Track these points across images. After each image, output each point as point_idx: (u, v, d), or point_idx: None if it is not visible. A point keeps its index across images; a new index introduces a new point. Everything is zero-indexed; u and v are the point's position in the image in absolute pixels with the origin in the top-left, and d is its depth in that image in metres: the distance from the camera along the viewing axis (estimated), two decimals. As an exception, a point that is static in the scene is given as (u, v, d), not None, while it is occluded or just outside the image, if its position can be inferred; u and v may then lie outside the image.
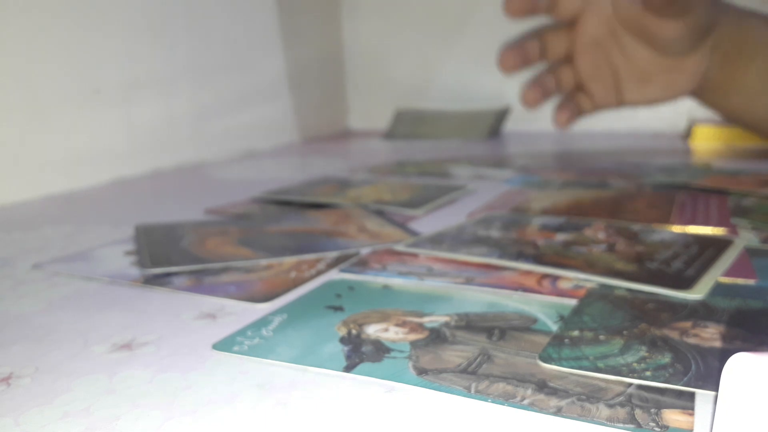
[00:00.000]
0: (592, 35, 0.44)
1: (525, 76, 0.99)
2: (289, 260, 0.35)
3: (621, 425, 0.18)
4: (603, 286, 0.29)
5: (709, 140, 0.77)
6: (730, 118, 0.47)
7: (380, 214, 0.45)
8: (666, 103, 0.46)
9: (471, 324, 0.26)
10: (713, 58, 0.42)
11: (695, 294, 0.28)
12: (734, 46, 0.42)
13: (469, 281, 0.31)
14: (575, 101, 0.47)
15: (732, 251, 0.33)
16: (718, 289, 0.28)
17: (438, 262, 0.34)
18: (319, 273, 0.33)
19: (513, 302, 0.28)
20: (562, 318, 0.26)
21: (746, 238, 0.36)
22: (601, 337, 0.24)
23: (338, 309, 0.28)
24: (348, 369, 0.22)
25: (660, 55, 0.42)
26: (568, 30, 0.45)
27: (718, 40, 0.42)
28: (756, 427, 0.14)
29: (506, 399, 0.20)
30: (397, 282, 0.31)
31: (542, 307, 0.27)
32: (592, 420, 0.19)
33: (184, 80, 0.74)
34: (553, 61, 0.47)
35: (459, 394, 0.20)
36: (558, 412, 0.19)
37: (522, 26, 0.98)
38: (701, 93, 0.45)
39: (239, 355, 0.24)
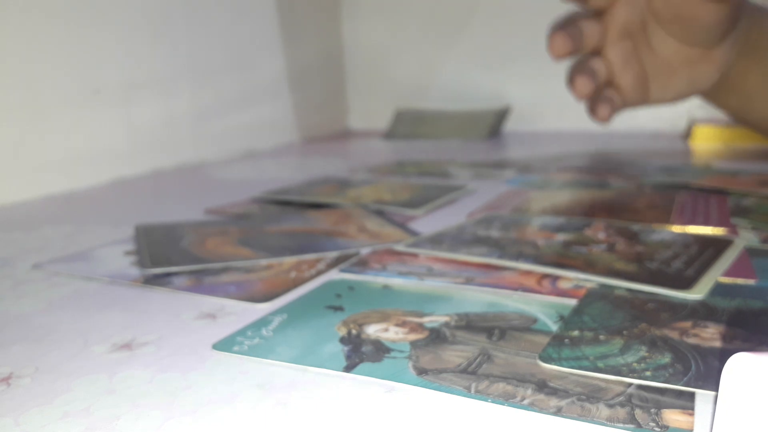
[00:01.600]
0: (624, 25, 0.41)
1: (523, 76, 0.99)
2: (289, 260, 0.35)
3: (621, 425, 0.18)
4: (603, 286, 0.29)
5: (709, 140, 0.77)
6: (733, 116, 0.47)
7: (380, 214, 0.45)
8: (688, 99, 0.44)
9: (471, 324, 0.26)
10: (733, 51, 0.41)
11: (695, 294, 0.28)
12: (749, 43, 0.41)
13: (469, 281, 0.31)
14: (611, 94, 0.44)
15: (732, 251, 0.33)
16: (718, 289, 0.28)
17: (438, 262, 0.34)
18: (319, 273, 0.33)
19: (513, 302, 0.28)
20: (562, 318, 0.26)
21: (746, 238, 0.36)
22: (601, 337, 0.24)
23: (338, 309, 0.28)
24: (348, 369, 0.22)
25: (686, 45, 0.41)
26: (599, 20, 0.42)
27: (739, 33, 0.41)
28: (756, 427, 0.14)
29: (506, 399, 0.20)
30: (397, 282, 0.31)
31: (542, 307, 0.27)
32: (592, 420, 0.19)
33: (184, 80, 0.74)
34: (585, 54, 0.43)
35: (459, 394, 0.20)
36: (558, 412, 0.19)
37: (523, 28, 0.98)
38: (712, 88, 0.43)
39: (239, 355, 0.24)
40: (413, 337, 0.25)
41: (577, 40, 0.41)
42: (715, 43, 0.40)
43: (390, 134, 0.97)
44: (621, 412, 0.19)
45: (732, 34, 0.40)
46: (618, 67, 0.42)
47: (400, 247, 0.36)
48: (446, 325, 0.26)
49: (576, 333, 0.24)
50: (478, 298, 0.29)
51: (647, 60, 0.42)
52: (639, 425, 0.18)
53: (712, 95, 0.45)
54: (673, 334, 0.24)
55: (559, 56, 0.41)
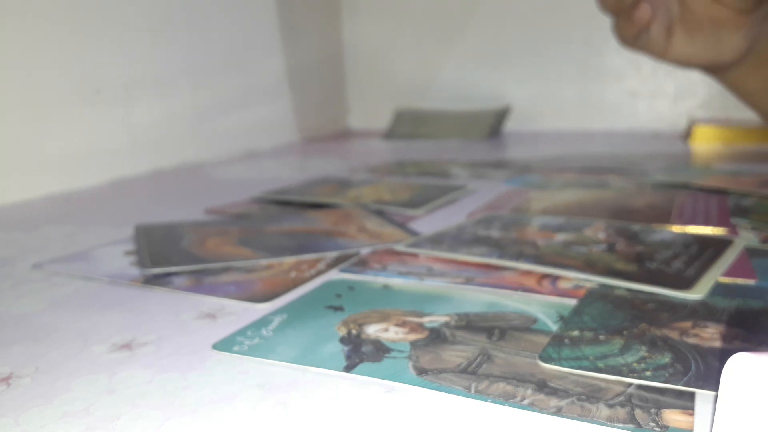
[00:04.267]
0: None
1: (523, 76, 0.99)
2: (289, 260, 0.35)
3: (621, 425, 0.18)
4: (603, 286, 0.29)
5: (709, 140, 0.77)
6: (747, 100, 0.45)
7: (380, 214, 0.45)
8: (706, 67, 0.43)
9: (471, 324, 0.26)
10: (763, 30, 0.40)
11: (695, 294, 0.28)
12: None
13: (469, 281, 0.31)
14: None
15: (732, 251, 0.33)
16: (718, 289, 0.28)
17: (438, 262, 0.34)
18: (319, 273, 0.33)
19: (513, 302, 0.28)
20: (562, 318, 0.26)
21: (746, 238, 0.36)
22: (601, 337, 0.24)
23: (338, 309, 0.28)
24: (348, 369, 0.22)
25: (718, 3, 0.40)
26: None
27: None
28: (756, 427, 0.14)
29: (506, 399, 0.20)
30: (397, 282, 0.31)
31: (542, 307, 0.27)
32: (592, 420, 0.19)
33: (184, 80, 0.74)
34: None
35: (459, 394, 0.20)
36: (558, 412, 0.19)
37: (523, 28, 0.98)
38: (733, 62, 0.43)
39: (239, 355, 0.24)
40: (413, 337, 0.25)
41: None
42: (748, 7, 0.39)
43: (390, 134, 0.97)
44: (621, 412, 0.19)
45: (764, 7, 0.39)
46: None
47: (400, 247, 0.36)
48: (446, 325, 0.26)
49: (576, 333, 0.24)
50: (478, 298, 0.29)
51: (676, 11, 0.41)
52: (639, 425, 0.18)
53: (733, 72, 0.43)
54: (673, 334, 0.24)
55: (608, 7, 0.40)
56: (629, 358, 0.22)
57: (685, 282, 0.29)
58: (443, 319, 0.27)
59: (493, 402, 0.20)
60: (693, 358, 0.22)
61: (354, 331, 0.26)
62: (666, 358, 0.22)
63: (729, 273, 0.30)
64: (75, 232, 0.44)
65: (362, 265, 0.34)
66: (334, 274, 0.33)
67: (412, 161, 0.71)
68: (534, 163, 0.66)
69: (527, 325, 0.26)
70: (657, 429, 0.18)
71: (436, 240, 0.37)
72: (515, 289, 0.29)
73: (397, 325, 0.26)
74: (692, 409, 0.19)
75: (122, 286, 0.33)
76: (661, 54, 0.42)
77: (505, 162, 0.68)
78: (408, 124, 0.98)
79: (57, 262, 0.37)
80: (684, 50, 0.42)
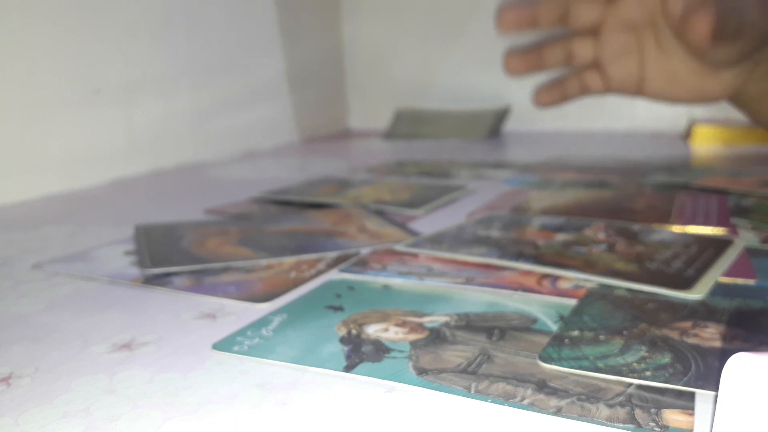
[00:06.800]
0: (629, 16, 0.40)
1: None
2: (289, 260, 0.35)
3: (621, 425, 0.18)
4: (603, 286, 0.29)
5: (709, 140, 0.77)
6: (745, 108, 0.44)
7: (380, 214, 0.45)
8: (687, 105, 0.43)
9: (471, 324, 0.26)
10: (754, 74, 0.39)
11: (695, 294, 0.28)
12: None
13: (469, 281, 0.31)
14: (567, 84, 0.44)
15: (732, 251, 0.33)
16: (718, 289, 0.28)
17: (438, 262, 0.34)
18: (319, 273, 0.33)
19: (513, 302, 0.28)
20: (562, 318, 0.26)
21: (746, 238, 0.36)
22: (601, 337, 0.24)
23: (338, 309, 0.28)
24: (348, 369, 0.22)
25: (698, 60, 0.39)
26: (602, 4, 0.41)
27: (765, 56, 0.38)
28: (756, 427, 0.14)
29: (506, 399, 0.20)
30: (397, 282, 0.31)
31: (542, 307, 0.27)
32: (592, 420, 0.19)
33: (184, 80, 0.74)
34: (575, 33, 0.42)
35: (459, 394, 0.20)
36: (558, 412, 0.19)
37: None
38: (732, 100, 0.42)
39: (239, 355, 0.24)
40: (413, 337, 0.25)
41: (536, 61, 0.41)
42: (725, 68, 0.39)
43: (390, 134, 0.97)
44: (621, 412, 0.19)
45: (751, 58, 0.38)
46: (612, 53, 0.41)
47: (400, 247, 0.36)
48: (446, 325, 0.26)
49: (576, 333, 0.24)
50: (478, 298, 0.29)
51: (652, 59, 0.40)
52: (639, 425, 0.18)
53: (737, 104, 0.43)
54: (673, 334, 0.24)
55: (514, 73, 0.41)
56: (629, 358, 0.22)
57: (685, 282, 0.29)
58: (443, 319, 0.27)
59: (493, 402, 0.20)
60: (693, 358, 0.22)
61: (354, 331, 0.26)
62: (666, 358, 0.22)
63: (729, 273, 0.30)
64: (75, 232, 0.44)
65: (362, 265, 0.34)
66: (334, 274, 0.33)
67: (412, 161, 0.71)
68: (534, 163, 0.66)
69: (527, 325, 0.26)
70: (657, 429, 0.18)
71: (436, 240, 0.37)
72: (515, 289, 0.29)
73: (397, 325, 0.26)
74: (692, 409, 0.19)
75: (122, 286, 0.33)
76: (634, 93, 0.42)
77: (505, 162, 0.68)
78: (408, 124, 0.98)
79: (57, 262, 0.37)
80: (660, 94, 0.41)
